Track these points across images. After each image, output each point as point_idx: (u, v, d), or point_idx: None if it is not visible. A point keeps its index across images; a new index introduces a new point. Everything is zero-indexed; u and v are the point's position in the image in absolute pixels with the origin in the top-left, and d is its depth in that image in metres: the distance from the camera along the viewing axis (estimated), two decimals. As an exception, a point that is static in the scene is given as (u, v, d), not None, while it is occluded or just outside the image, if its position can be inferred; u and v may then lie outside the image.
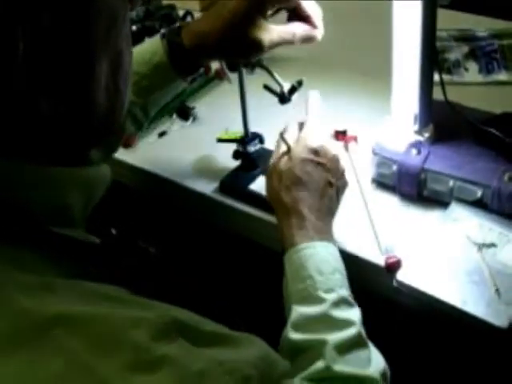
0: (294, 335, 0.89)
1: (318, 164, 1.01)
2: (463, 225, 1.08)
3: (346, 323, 0.88)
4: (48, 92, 0.63)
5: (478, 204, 1.10)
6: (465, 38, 1.59)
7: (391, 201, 1.17)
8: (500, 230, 1.06)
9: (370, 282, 0.95)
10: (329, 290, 0.91)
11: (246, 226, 1.21)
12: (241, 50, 1.06)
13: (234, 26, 1.03)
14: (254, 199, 1.20)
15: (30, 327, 0.57)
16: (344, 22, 1.11)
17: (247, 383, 0.65)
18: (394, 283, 1.03)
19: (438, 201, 1.14)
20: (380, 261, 1.05)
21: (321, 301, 0.90)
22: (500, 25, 1.63)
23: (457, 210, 1.10)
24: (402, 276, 1.02)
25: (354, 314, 0.91)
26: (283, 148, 1.05)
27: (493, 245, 1.04)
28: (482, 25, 1.63)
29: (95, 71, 0.67)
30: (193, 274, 1.34)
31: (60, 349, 0.56)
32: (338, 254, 0.97)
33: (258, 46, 1.03)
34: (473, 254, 1.03)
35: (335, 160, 1.03)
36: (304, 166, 1.00)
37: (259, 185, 1.20)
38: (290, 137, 1.06)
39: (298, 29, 1.06)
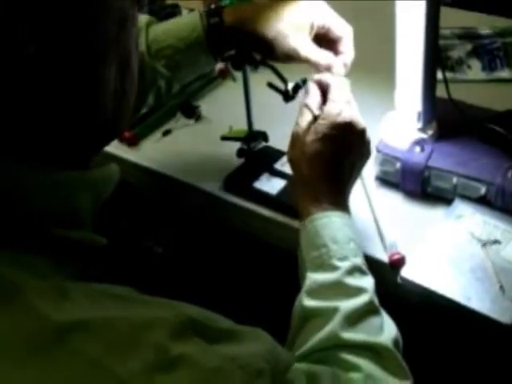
0: (308, 301, 0.90)
1: (343, 140, 0.99)
2: (467, 222, 1.08)
3: (359, 290, 0.90)
4: (56, 94, 0.63)
5: (482, 201, 1.10)
6: (468, 35, 1.59)
7: (395, 198, 1.17)
8: (504, 226, 1.06)
9: (375, 279, 0.96)
10: (343, 258, 0.92)
11: (251, 224, 1.22)
12: (276, 52, 1.08)
13: (279, 20, 1.07)
14: (259, 197, 1.20)
15: (49, 334, 0.57)
16: (347, 20, 1.11)
17: (260, 376, 0.66)
18: (398, 280, 1.03)
19: (441, 198, 1.14)
20: (384, 257, 1.06)
21: (335, 268, 0.91)
22: (503, 23, 1.63)
23: (461, 207, 1.10)
24: (405, 272, 1.03)
25: (368, 281, 0.92)
26: (308, 116, 1.01)
27: (497, 241, 1.04)
28: (484, 23, 1.63)
29: (104, 74, 0.67)
30: (198, 271, 1.34)
31: (79, 353, 0.56)
32: (352, 225, 0.98)
33: (291, 55, 1.08)
34: (477, 250, 1.04)
35: (361, 135, 1.00)
36: (328, 141, 0.98)
37: (263, 182, 1.21)
38: (314, 103, 1.02)
39: (328, 58, 1.08)
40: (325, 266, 0.92)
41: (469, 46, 1.56)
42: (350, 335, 0.86)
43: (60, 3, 0.60)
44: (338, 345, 0.86)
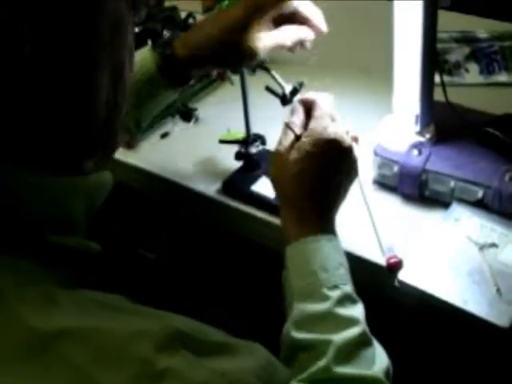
0: (297, 334, 0.87)
1: (327, 158, 0.97)
2: (464, 225, 1.08)
3: (350, 321, 0.87)
4: (49, 100, 0.64)
5: (479, 204, 1.10)
6: (465, 39, 1.59)
7: (393, 201, 1.18)
8: (501, 230, 1.07)
9: (372, 282, 0.96)
10: (333, 288, 0.89)
11: (249, 227, 1.22)
12: (235, 59, 1.07)
13: (231, 34, 1.03)
14: (257, 200, 1.20)
15: (35, 342, 0.57)
16: (345, 23, 1.12)
17: None
18: (396, 283, 1.03)
19: (439, 201, 1.15)
20: (381, 261, 1.06)
21: (325, 298, 0.88)
22: (501, 26, 1.64)
23: (458, 211, 1.11)
24: (403, 276, 1.03)
25: (358, 310, 0.90)
26: (290, 135, 1.00)
27: (494, 245, 1.05)
28: (482, 26, 1.64)
29: (97, 78, 0.68)
30: (196, 274, 1.34)
31: (65, 363, 0.56)
32: (341, 247, 0.95)
33: (252, 54, 1.04)
34: (474, 254, 1.04)
35: (347, 153, 0.98)
36: (311, 159, 0.96)
37: (261, 186, 1.21)
38: (297, 123, 1.01)
39: (291, 32, 1.06)
40: (314, 295, 0.89)
41: (466, 50, 1.56)
42: (343, 369, 0.83)
43: (57, 4, 0.60)
44: (331, 378, 0.83)
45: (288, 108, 1.09)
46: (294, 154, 0.97)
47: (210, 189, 1.25)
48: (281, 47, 1.06)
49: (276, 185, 1.00)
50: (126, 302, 0.65)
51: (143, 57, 1.09)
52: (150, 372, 0.58)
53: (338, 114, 1.02)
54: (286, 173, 0.97)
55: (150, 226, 1.39)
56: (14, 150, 0.64)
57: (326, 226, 0.95)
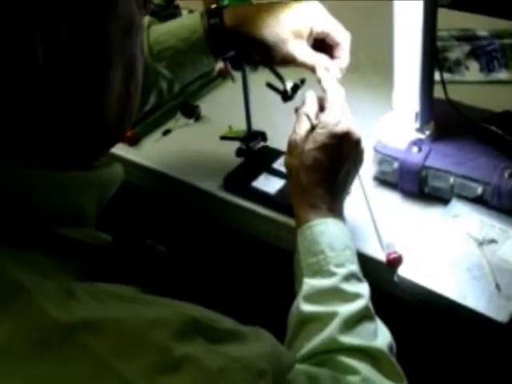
0: (305, 307, 0.92)
1: (340, 149, 1.01)
2: (464, 221, 1.09)
3: (356, 296, 0.92)
4: (62, 98, 0.64)
5: (479, 201, 1.11)
6: (466, 37, 1.60)
7: (392, 198, 1.18)
8: (500, 226, 1.07)
9: (371, 278, 0.96)
10: (340, 265, 0.94)
11: (250, 223, 1.22)
12: (273, 56, 1.10)
13: (279, 25, 1.09)
14: (257, 196, 1.21)
15: (56, 333, 0.57)
16: (345, 20, 1.12)
17: (262, 376, 0.66)
18: (395, 278, 1.04)
19: (438, 198, 1.15)
20: (381, 256, 1.07)
21: (332, 274, 0.93)
22: (501, 24, 1.64)
23: (457, 207, 1.11)
24: (403, 271, 1.03)
25: (364, 288, 0.94)
26: (306, 124, 1.03)
27: (493, 241, 1.05)
28: (482, 24, 1.64)
29: (110, 79, 0.68)
30: (197, 270, 1.35)
31: (85, 353, 0.57)
32: (348, 233, 0.99)
33: (290, 60, 1.10)
34: (473, 249, 1.04)
35: (356, 144, 1.03)
36: (326, 150, 1.00)
37: (262, 182, 1.22)
38: (311, 111, 1.04)
39: (324, 61, 1.10)
40: (322, 272, 0.94)
41: (467, 48, 1.56)
42: (347, 339, 0.87)
43: (70, 9, 0.61)
44: (336, 348, 0.87)
45: (289, 104, 1.10)
46: (309, 145, 1.01)
47: (211, 185, 1.26)
48: (311, 69, 1.10)
49: (291, 172, 1.03)
50: (139, 292, 0.66)
51: (193, 22, 1.13)
52: (168, 360, 0.58)
53: (348, 108, 1.05)
54: (301, 162, 1.01)
55: (152, 222, 1.40)
56: (28, 146, 0.64)
57: (335, 211, 1.00)
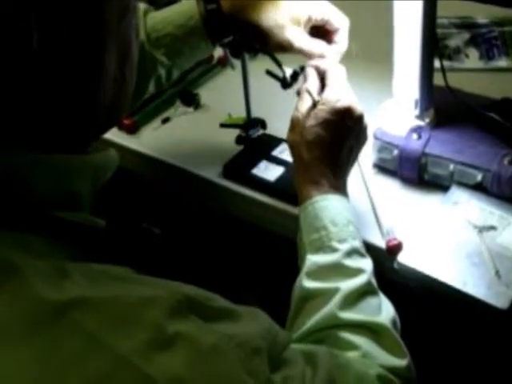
0: (308, 283, 0.92)
1: (342, 125, 1.01)
2: (463, 208, 1.09)
3: (358, 271, 0.92)
4: (57, 81, 0.64)
5: (478, 188, 1.11)
6: (465, 25, 1.60)
7: (392, 185, 1.18)
8: (500, 213, 1.07)
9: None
10: (342, 241, 0.94)
11: (249, 210, 1.22)
12: (270, 42, 1.10)
13: (276, 11, 1.08)
14: (257, 184, 1.21)
15: (48, 312, 0.57)
16: (345, 7, 1.12)
17: (257, 354, 0.66)
18: (395, 265, 1.04)
19: (438, 185, 1.15)
20: (381, 243, 1.07)
21: (334, 250, 0.93)
22: (500, 12, 1.64)
23: (457, 194, 1.11)
24: (403, 258, 1.04)
25: (366, 263, 0.94)
26: (308, 101, 1.03)
27: (493, 228, 1.05)
28: (482, 12, 1.64)
29: (105, 62, 0.68)
30: (195, 257, 1.35)
31: (78, 330, 0.57)
32: (351, 209, 1.00)
33: (286, 46, 1.09)
34: (473, 236, 1.05)
35: (359, 120, 1.03)
36: (328, 126, 1.00)
37: (262, 169, 1.22)
38: (313, 89, 1.04)
39: (322, 47, 1.11)
40: (324, 247, 0.94)
41: (466, 35, 1.56)
42: (348, 315, 0.88)
43: None
44: (336, 324, 0.87)
45: (289, 92, 1.10)
46: (311, 121, 1.01)
47: (211, 172, 1.26)
48: (307, 55, 1.10)
49: (293, 149, 1.03)
50: (133, 273, 0.66)
51: (190, 8, 1.12)
52: (162, 337, 0.59)
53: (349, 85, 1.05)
54: (302, 138, 1.00)
55: (152, 209, 1.40)
56: (22, 129, 0.65)
57: (337, 188, 0.99)
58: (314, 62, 1.08)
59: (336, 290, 0.89)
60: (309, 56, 1.10)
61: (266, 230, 1.22)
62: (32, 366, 0.56)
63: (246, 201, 1.22)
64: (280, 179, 1.20)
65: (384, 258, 1.05)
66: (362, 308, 0.89)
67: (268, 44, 1.10)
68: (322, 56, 1.09)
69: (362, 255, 0.95)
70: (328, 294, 0.89)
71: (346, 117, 1.01)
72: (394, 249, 1.05)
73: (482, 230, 1.05)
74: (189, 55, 1.16)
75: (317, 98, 1.02)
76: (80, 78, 0.66)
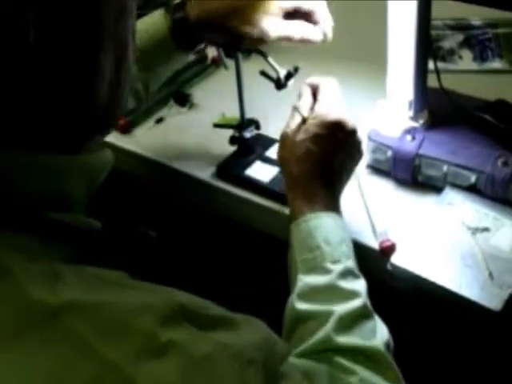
0: (300, 305, 0.90)
1: (332, 139, 0.99)
2: (457, 210, 1.09)
3: (352, 294, 0.90)
4: (52, 81, 0.64)
5: (472, 189, 1.11)
6: (459, 26, 1.60)
7: (386, 186, 1.18)
8: (493, 214, 1.07)
9: (365, 266, 0.96)
10: (336, 261, 0.92)
11: (242, 211, 1.22)
12: (246, 40, 1.09)
13: (245, 9, 1.07)
14: (250, 184, 1.21)
15: (39, 315, 0.57)
16: (340, 9, 1.12)
17: (252, 366, 0.65)
18: (389, 267, 1.04)
19: (432, 186, 1.15)
20: (375, 244, 1.07)
21: (328, 271, 0.91)
22: (494, 14, 1.64)
23: (451, 195, 1.11)
24: (396, 259, 1.03)
25: (360, 285, 0.92)
26: (297, 118, 1.03)
27: (486, 229, 1.05)
28: (476, 14, 1.64)
29: (101, 61, 0.68)
30: (190, 258, 1.35)
31: (68, 335, 0.57)
32: (344, 225, 0.98)
33: (266, 39, 1.09)
34: (467, 238, 1.05)
35: (351, 134, 1.01)
36: (318, 140, 0.99)
37: (255, 170, 1.22)
38: (304, 105, 1.04)
39: (302, 29, 1.10)
40: (317, 268, 0.92)
41: (460, 37, 1.56)
42: (344, 339, 0.85)
43: None
44: (332, 348, 0.85)
45: (283, 92, 1.10)
46: (300, 135, 1.00)
47: (205, 173, 1.26)
48: (288, 39, 1.09)
49: (284, 166, 1.02)
50: (128, 278, 0.66)
51: (156, 20, 1.11)
52: (154, 345, 0.58)
53: (342, 99, 1.04)
54: (292, 153, 0.99)
55: (145, 210, 1.39)
56: (18, 129, 0.64)
57: (330, 204, 0.98)
58: (309, 79, 1.08)
59: (330, 313, 0.87)
60: (289, 41, 1.09)
61: (259, 231, 1.22)
62: (21, 369, 0.55)
63: (239, 201, 1.21)
64: (274, 180, 1.19)
65: (377, 259, 1.05)
66: (357, 332, 0.87)
67: (244, 42, 1.10)
68: (303, 38, 1.09)
69: (355, 276, 0.93)
70: (322, 317, 0.87)
71: (337, 130, 0.99)
72: (388, 250, 1.05)
73: (475, 231, 1.05)
74: (164, 66, 1.16)
75: (305, 114, 1.02)
76: (76, 75, 0.66)
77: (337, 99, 1.04)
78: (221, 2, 1.09)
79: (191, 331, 0.62)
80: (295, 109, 1.03)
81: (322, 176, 0.98)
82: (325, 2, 1.12)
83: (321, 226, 0.95)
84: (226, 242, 1.34)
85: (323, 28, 1.11)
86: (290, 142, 1.01)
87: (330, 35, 1.12)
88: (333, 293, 0.90)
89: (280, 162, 1.03)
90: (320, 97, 1.04)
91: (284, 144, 1.02)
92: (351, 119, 1.01)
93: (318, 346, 0.85)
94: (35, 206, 0.66)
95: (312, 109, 1.04)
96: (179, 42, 1.11)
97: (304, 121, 1.02)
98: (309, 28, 1.10)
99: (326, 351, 0.85)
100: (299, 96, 1.07)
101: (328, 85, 1.05)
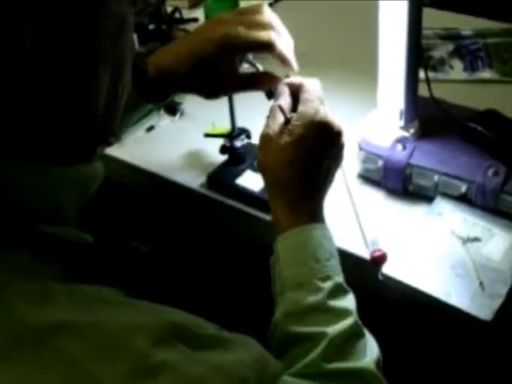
0: (290, 326, 0.86)
1: (320, 142, 0.94)
2: (448, 219, 1.09)
3: (343, 313, 0.86)
4: (50, 92, 0.63)
5: (463, 199, 1.11)
6: (450, 36, 1.61)
7: (377, 195, 1.18)
8: (484, 224, 1.07)
9: (356, 276, 0.96)
10: (325, 278, 0.88)
11: (233, 220, 1.22)
12: (205, 91, 1.08)
13: (199, 68, 1.03)
14: (241, 194, 1.21)
15: (31, 336, 0.57)
16: (330, 18, 1.12)
17: None
18: (380, 276, 1.04)
19: (423, 195, 1.15)
20: (366, 254, 1.07)
21: (317, 290, 0.87)
22: (484, 24, 1.65)
23: (441, 205, 1.11)
24: (387, 269, 1.03)
25: (350, 300, 0.89)
26: (280, 118, 0.96)
27: (477, 239, 1.05)
28: (466, 24, 1.65)
29: (99, 75, 0.67)
30: (182, 270, 1.34)
31: (60, 356, 0.56)
32: (331, 236, 0.94)
33: (221, 92, 1.08)
34: (457, 247, 1.05)
35: (337, 136, 0.96)
36: (305, 142, 0.92)
37: (246, 179, 1.21)
38: (285, 106, 0.98)
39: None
40: (306, 285, 0.88)
41: (451, 47, 1.57)
42: (334, 363, 0.82)
43: (62, 4, 0.60)
44: (322, 372, 0.82)
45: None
46: (285, 138, 0.93)
47: (195, 182, 1.25)
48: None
49: (268, 171, 0.96)
50: (121, 295, 0.65)
51: None
52: (146, 366, 0.58)
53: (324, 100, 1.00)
54: (277, 158, 0.93)
55: (137, 219, 1.39)
56: (12, 141, 0.63)
57: (316, 214, 0.94)
58: (288, 79, 1.03)
59: (322, 336, 0.83)
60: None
61: (250, 240, 1.21)
62: None
63: (230, 211, 1.21)
64: (265, 189, 1.19)
65: (368, 268, 1.05)
66: (349, 353, 0.83)
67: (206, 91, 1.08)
68: (269, 81, 1.05)
69: (344, 291, 0.89)
70: (314, 340, 0.83)
71: (324, 132, 0.94)
72: (379, 260, 1.05)
73: (466, 241, 1.05)
74: (131, 116, 1.14)
75: (289, 115, 0.96)
76: (73, 88, 0.65)
77: (321, 100, 0.98)
78: (177, 62, 1.03)
79: (184, 351, 0.62)
80: (278, 108, 0.97)
81: (310, 182, 0.94)
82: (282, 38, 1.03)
83: (308, 240, 0.90)
84: (218, 251, 1.34)
85: (288, 60, 1.03)
86: (272, 145, 0.94)
87: (295, 65, 1.04)
88: (324, 313, 0.86)
89: (261, 167, 0.96)
90: (303, 96, 0.98)
91: (266, 147, 0.95)
92: (337, 120, 0.96)
93: (309, 369, 0.82)
94: (28, 218, 0.65)
95: (292, 109, 0.98)
96: (144, 94, 1.07)
97: (287, 122, 0.96)
98: (270, 75, 1.07)
99: (317, 375, 0.81)
100: (277, 96, 1.01)
101: (311, 85, 1.00)
